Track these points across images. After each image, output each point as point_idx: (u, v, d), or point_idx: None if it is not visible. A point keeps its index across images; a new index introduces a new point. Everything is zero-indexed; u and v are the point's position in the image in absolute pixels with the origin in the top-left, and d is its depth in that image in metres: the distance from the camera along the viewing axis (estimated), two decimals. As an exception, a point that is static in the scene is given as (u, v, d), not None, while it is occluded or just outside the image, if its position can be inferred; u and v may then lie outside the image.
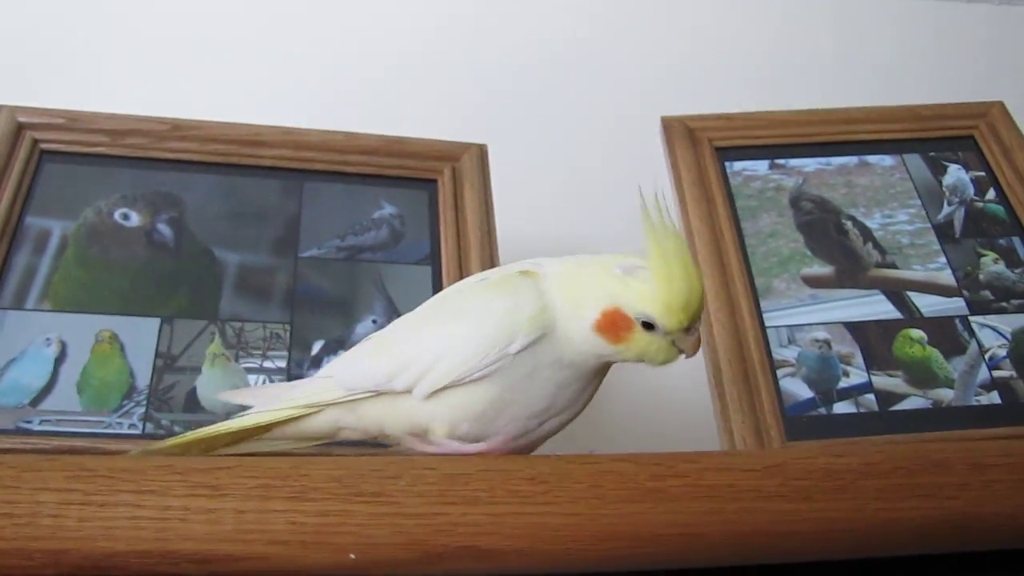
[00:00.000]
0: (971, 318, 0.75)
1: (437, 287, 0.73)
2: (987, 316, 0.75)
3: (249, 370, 0.66)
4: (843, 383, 0.72)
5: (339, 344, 0.68)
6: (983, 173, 0.84)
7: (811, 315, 0.75)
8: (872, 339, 0.74)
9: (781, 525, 0.46)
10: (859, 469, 0.48)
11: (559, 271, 0.53)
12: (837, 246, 0.80)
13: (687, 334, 0.50)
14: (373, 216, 0.76)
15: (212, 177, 0.76)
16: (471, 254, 0.74)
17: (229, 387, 0.65)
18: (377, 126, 0.80)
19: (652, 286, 0.49)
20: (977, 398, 0.71)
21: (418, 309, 0.57)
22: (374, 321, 0.70)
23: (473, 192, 0.77)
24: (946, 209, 0.82)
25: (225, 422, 0.56)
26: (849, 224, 0.81)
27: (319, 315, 0.70)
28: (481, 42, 1.13)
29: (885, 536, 0.47)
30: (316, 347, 0.68)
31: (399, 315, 0.70)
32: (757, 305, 0.75)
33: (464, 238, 0.75)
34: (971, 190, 0.83)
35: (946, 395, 0.71)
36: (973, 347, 0.74)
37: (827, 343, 0.74)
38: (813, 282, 0.77)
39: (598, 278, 0.51)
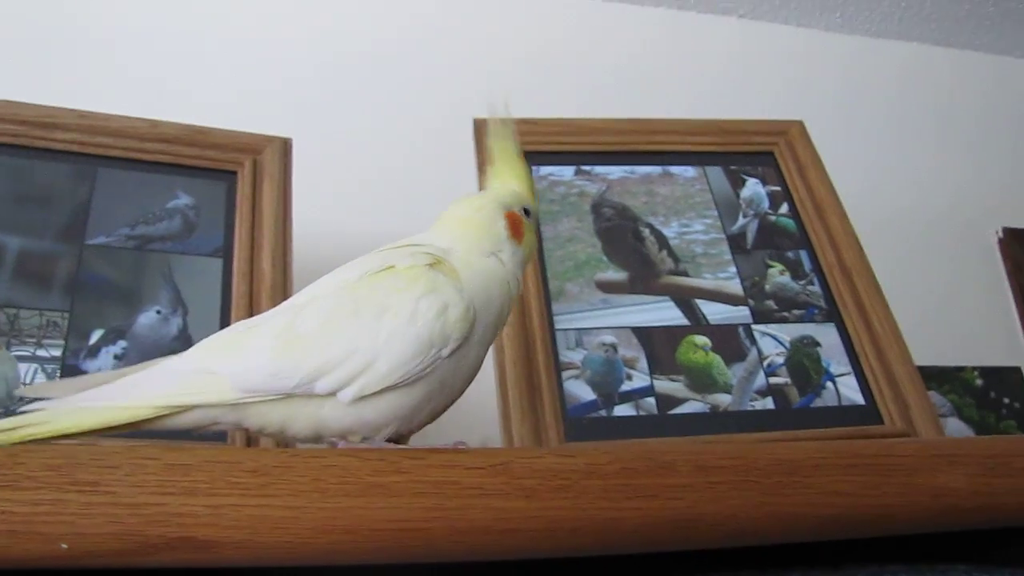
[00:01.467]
0: (754, 326, 0.78)
1: (227, 280, 0.72)
2: (769, 325, 0.78)
3: (21, 358, 0.65)
4: (626, 386, 0.74)
5: (118, 334, 0.68)
6: (779, 188, 0.88)
7: (601, 319, 0.77)
8: (657, 344, 0.76)
9: (503, 523, 0.47)
10: (584, 469, 0.49)
11: (449, 236, 0.57)
12: (633, 252, 0.82)
13: (531, 220, 0.61)
14: (167, 206, 0.75)
15: (-1, 158, 0.74)
16: (264, 248, 0.74)
17: (-3, 375, 0.64)
18: (181, 114, 0.79)
19: (510, 179, 0.61)
20: (752, 403, 0.74)
21: (318, 295, 0.53)
22: (158, 311, 0.70)
23: (272, 186, 0.77)
24: (740, 221, 0.85)
25: (62, 417, 0.49)
26: (647, 231, 0.83)
27: (101, 304, 0.69)
28: (292, 35, 1.14)
29: (607, 535, 0.49)
30: (94, 336, 0.67)
31: (184, 307, 0.70)
32: (549, 308, 0.77)
33: (258, 232, 0.75)
34: (766, 203, 0.87)
35: (723, 400, 0.74)
36: (753, 354, 0.76)
37: (613, 347, 0.76)
38: (606, 287, 0.79)
39: (476, 210, 0.59)
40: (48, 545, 0.42)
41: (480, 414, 0.77)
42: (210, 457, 0.46)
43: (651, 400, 0.73)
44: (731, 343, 0.77)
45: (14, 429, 0.47)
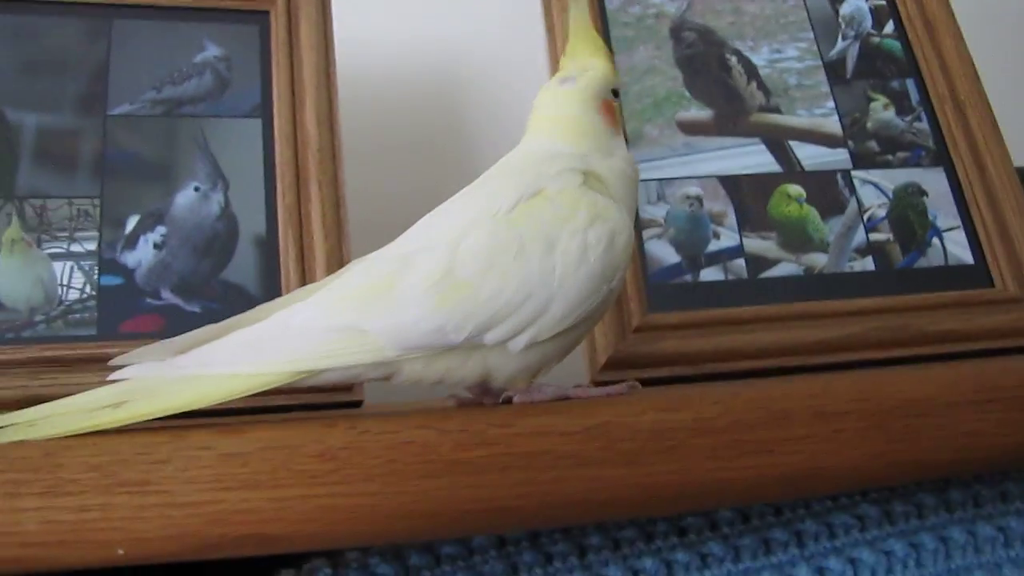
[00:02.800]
0: (853, 172, 0.70)
1: (268, 143, 0.65)
2: (870, 171, 0.70)
3: (54, 256, 0.59)
4: (713, 246, 0.67)
5: (156, 218, 0.61)
6: (883, 2, 0.77)
7: (685, 167, 0.70)
8: (747, 196, 0.69)
9: (602, 493, 0.43)
10: (691, 427, 0.44)
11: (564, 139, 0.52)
12: (718, 85, 0.73)
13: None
14: (195, 60, 0.66)
15: (-1, 17, 0.65)
16: (306, 104, 0.65)
17: (32, 278, 0.58)
18: (200, -55, 0.69)
19: (594, 64, 0.53)
20: (851, 264, 0.67)
21: (460, 221, 0.47)
22: (196, 188, 0.63)
23: (310, 25, 0.68)
24: (840, 44, 0.75)
25: (178, 387, 0.43)
26: (734, 60, 0.74)
27: (133, 185, 0.62)
28: None
29: (717, 496, 0.44)
30: (130, 224, 0.61)
31: (224, 179, 0.63)
32: (626, 156, 0.69)
33: (299, 84, 0.66)
34: (869, 22, 0.76)
35: (819, 260, 0.67)
36: (852, 206, 0.69)
37: (699, 200, 0.68)
38: (689, 128, 0.71)
39: (580, 105, 0.52)
40: (104, 551, 0.39)
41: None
42: (269, 442, 0.40)
43: (740, 262, 0.67)
44: (828, 193, 0.69)
45: (119, 406, 0.42)
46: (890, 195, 0.70)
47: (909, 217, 0.69)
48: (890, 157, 0.71)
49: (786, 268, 0.67)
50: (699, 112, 0.71)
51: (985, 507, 0.53)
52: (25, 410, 0.42)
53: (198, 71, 0.66)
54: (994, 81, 0.74)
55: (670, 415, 0.44)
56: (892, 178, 0.70)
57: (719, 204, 0.68)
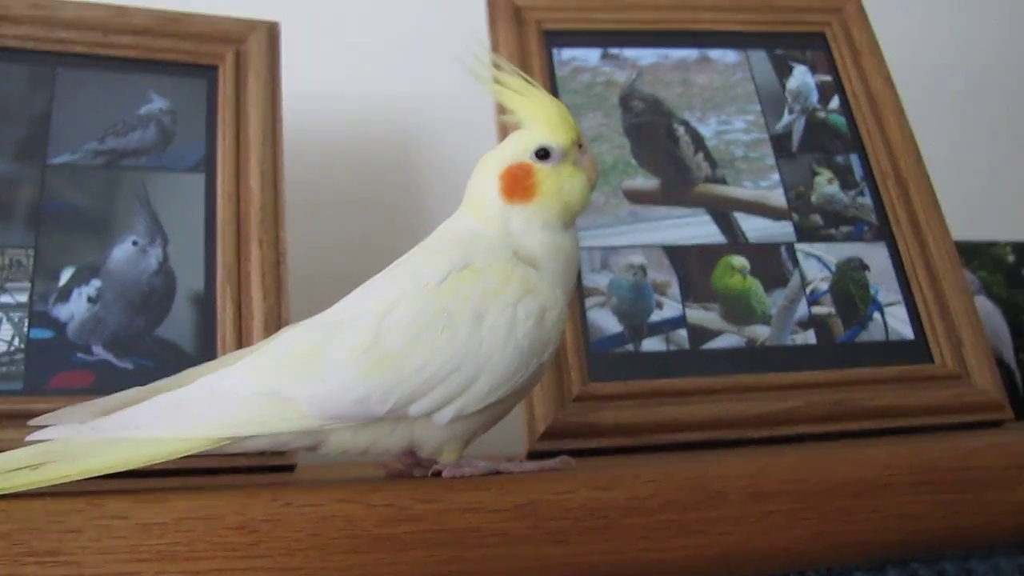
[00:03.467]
0: (797, 245, 0.71)
1: (211, 200, 0.64)
2: (814, 244, 0.71)
3: (-18, 306, 0.58)
4: (655, 316, 0.67)
5: (91, 271, 0.60)
6: (829, 78, 0.78)
7: (629, 236, 0.70)
8: (691, 266, 0.69)
9: (531, 573, 0.42)
10: (624, 506, 0.43)
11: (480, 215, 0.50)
12: (666, 155, 0.73)
13: (581, 153, 0.50)
14: (139, 112, 0.66)
15: (-61, 61, 0.64)
16: (251, 162, 0.65)
17: (-45, 328, 0.56)
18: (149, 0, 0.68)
19: (525, 119, 0.49)
20: (793, 336, 0.67)
21: (390, 294, 0.46)
22: (135, 242, 0.62)
23: (259, 82, 0.68)
24: (786, 117, 0.76)
25: (98, 450, 0.42)
26: (681, 130, 0.74)
27: (70, 236, 0.61)
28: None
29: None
30: (64, 275, 0.60)
31: (163, 234, 0.62)
32: (571, 224, 0.69)
33: (245, 141, 0.66)
34: (815, 97, 0.77)
35: (762, 332, 0.67)
36: (796, 279, 0.69)
37: (643, 269, 0.68)
38: (635, 197, 0.71)
39: (481, 175, 0.50)
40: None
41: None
42: (188, 512, 0.39)
43: (683, 332, 0.67)
44: (771, 265, 0.70)
45: (37, 467, 0.41)
46: (833, 269, 0.70)
47: (851, 291, 0.69)
48: (833, 231, 0.71)
49: (728, 340, 0.67)
50: (646, 181, 0.72)
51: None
52: None
53: (142, 123, 0.65)
54: (934, 158, 0.75)
55: (602, 494, 0.43)
56: (835, 252, 0.71)
57: (663, 274, 0.68)
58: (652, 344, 0.66)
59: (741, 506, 0.45)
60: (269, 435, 0.44)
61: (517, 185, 0.49)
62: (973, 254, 1.08)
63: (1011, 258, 1.11)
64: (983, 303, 1.07)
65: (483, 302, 0.45)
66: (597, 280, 0.68)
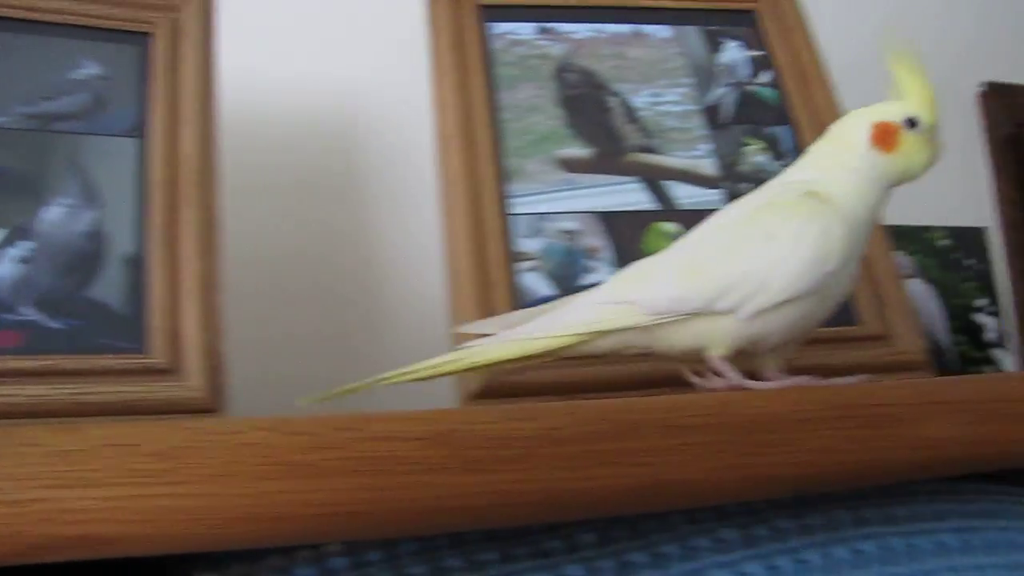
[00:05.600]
0: (727, 212, 0.72)
1: (144, 163, 0.64)
2: (743, 211, 0.72)
3: (-88, 269, 0.58)
4: (586, 279, 0.68)
5: (22, 233, 0.60)
6: (761, 53, 0.79)
7: (562, 203, 0.71)
8: (623, 232, 0.70)
9: (448, 500, 0.42)
10: (540, 436, 0.44)
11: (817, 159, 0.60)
12: (599, 125, 0.74)
13: (932, 137, 0.58)
14: (71, 77, 0.66)
15: None
16: (185, 127, 0.65)
17: None
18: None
19: (904, 90, 0.58)
20: (721, 300, 0.69)
21: (709, 228, 0.59)
22: (66, 205, 0.62)
23: (194, 49, 0.68)
24: (717, 91, 0.77)
25: (492, 349, 0.56)
26: (614, 101, 0.75)
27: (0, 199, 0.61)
28: None
29: (565, 506, 0.44)
30: (-4, 239, 0.60)
31: (97, 196, 0.62)
32: (502, 190, 0.69)
33: (178, 107, 0.66)
34: (745, 71, 0.79)
35: (691, 296, 0.68)
36: (724, 245, 0.70)
37: (575, 235, 0.69)
38: (569, 165, 0.72)
39: (839, 124, 0.60)
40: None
41: (431, 312, 0.72)
42: (104, 439, 0.39)
43: (613, 296, 0.67)
44: (702, 231, 0.71)
45: (458, 360, 0.56)
46: (761, 235, 0.71)
47: (779, 257, 0.71)
48: (762, 199, 0.73)
49: (659, 303, 0.68)
50: (579, 150, 0.73)
51: (841, 531, 0.53)
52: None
53: (74, 88, 0.65)
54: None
55: (519, 424, 0.44)
56: (764, 219, 0.72)
57: (595, 239, 0.69)
58: (583, 307, 0.67)
59: (656, 438, 0.45)
60: (616, 331, 0.56)
61: (886, 136, 0.58)
62: (908, 239, 1.10)
63: (944, 242, 1.13)
64: (918, 286, 1.10)
65: (774, 225, 0.56)
66: (531, 245, 0.68)
